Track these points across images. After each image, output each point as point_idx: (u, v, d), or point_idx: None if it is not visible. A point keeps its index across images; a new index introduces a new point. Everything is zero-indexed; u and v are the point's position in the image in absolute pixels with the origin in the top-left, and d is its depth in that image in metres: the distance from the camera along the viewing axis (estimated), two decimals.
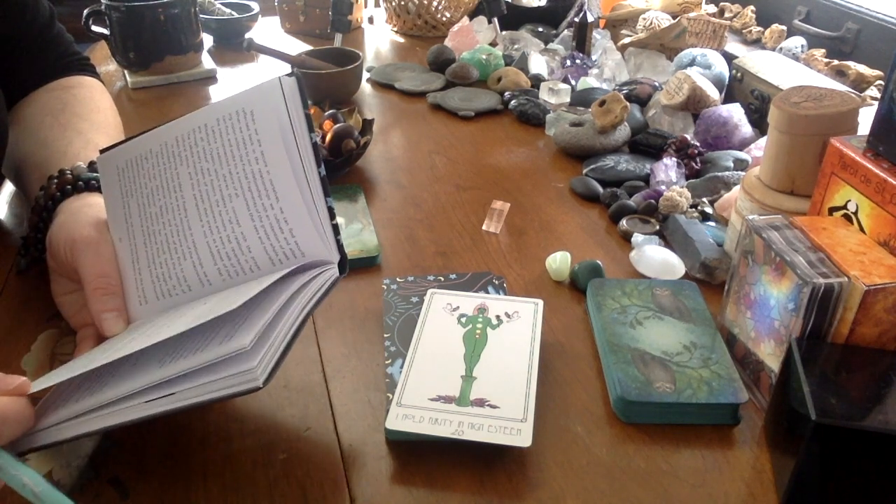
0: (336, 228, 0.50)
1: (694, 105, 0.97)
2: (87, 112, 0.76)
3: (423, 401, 0.51)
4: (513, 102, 1.07)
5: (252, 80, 1.23)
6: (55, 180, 0.62)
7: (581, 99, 1.06)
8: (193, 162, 0.53)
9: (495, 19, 1.31)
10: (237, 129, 0.52)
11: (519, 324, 0.59)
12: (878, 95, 0.84)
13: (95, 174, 0.62)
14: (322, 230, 0.49)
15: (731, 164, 0.85)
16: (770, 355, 0.53)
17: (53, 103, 0.76)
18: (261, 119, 0.51)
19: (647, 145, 0.92)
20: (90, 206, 0.60)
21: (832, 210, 0.57)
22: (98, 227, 0.57)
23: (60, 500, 0.40)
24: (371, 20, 1.58)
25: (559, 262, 0.69)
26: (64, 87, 0.80)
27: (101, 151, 0.59)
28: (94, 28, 1.16)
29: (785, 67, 0.99)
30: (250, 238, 0.51)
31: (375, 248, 0.72)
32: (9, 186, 0.84)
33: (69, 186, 0.61)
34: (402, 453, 0.50)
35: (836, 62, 1.13)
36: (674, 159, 0.85)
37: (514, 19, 1.40)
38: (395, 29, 1.50)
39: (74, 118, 0.74)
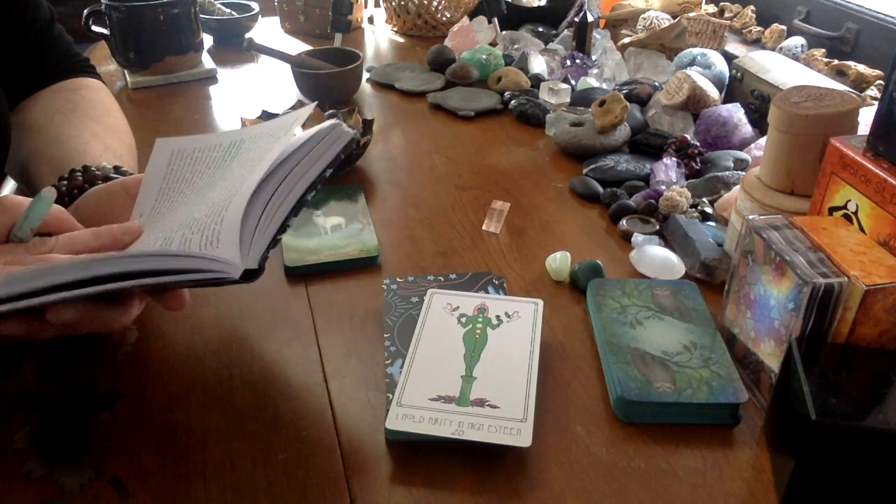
0: (274, 242, 0.49)
1: (694, 105, 0.97)
2: (99, 115, 0.76)
3: (423, 401, 0.51)
4: (513, 102, 1.07)
5: (252, 80, 1.23)
6: (79, 174, 0.62)
7: (581, 99, 1.06)
8: (226, 163, 0.56)
9: (495, 19, 1.31)
10: (274, 136, 0.54)
11: (519, 324, 0.59)
12: (878, 95, 0.84)
13: (120, 177, 0.63)
14: (249, 234, 0.48)
15: (731, 164, 0.85)
16: (770, 355, 0.53)
17: (62, 103, 0.76)
18: (288, 134, 0.53)
19: (647, 145, 0.92)
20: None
21: (832, 210, 0.57)
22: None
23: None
24: (371, 20, 1.58)
25: (559, 262, 0.69)
26: (70, 89, 0.80)
27: None
28: (94, 28, 1.16)
29: (785, 67, 0.99)
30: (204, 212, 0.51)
31: (375, 248, 0.72)
32: (9, 185, 0.83)
33: (100, 182, 0.62)
34: (402, 453, 0.50)
35: (836, 62, 1.13)
36: (674, 159, 0.85)
37: (514, 19, 1.40)
38: (395, 29, 1.50)
39: (87, 120, 0.74)
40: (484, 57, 1.20)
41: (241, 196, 0.50)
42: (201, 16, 1.29)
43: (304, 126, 0.58)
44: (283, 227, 0.50)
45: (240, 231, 0.48)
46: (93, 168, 0.63)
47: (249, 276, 0.48)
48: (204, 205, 0.53)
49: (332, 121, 0.53)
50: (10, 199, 0.52)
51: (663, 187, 0.80)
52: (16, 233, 0.51)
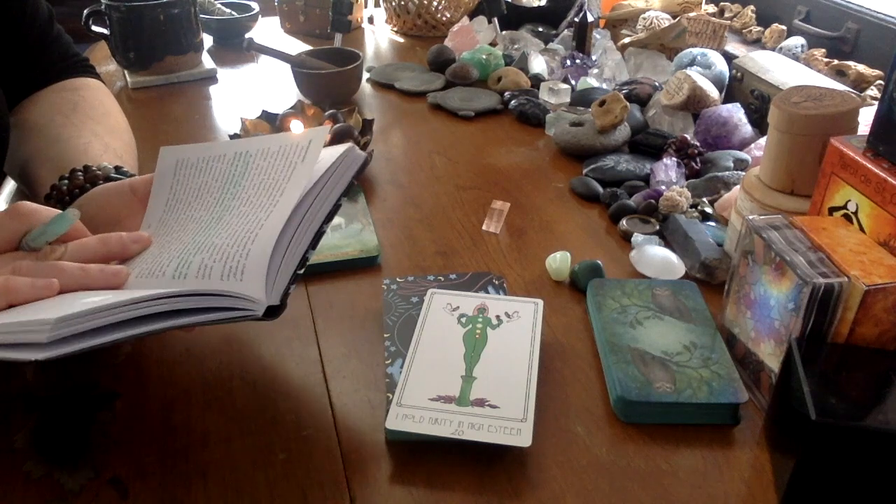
0: (295, 278, 0.50)
1: (694, 105, 0.97)
2: (99, 115, 0.76)
3: (423, 401, 0.51)
4: (513, 102, 1.07)
5: (252, 80, 1.23)
6: (80, 174, 0.62)
7: (581, 99, 1.06)
8: (236, 180, 0.56)
9: (495, 19, 1.31)
10: (287, 156, 0.54)
11: (519, 324, 0.59)
12: (878, 95, 0.84)
13: (121, 177, 0.63)
14: (275, 271, 0.49)
15: (731, 164, 0.85)
16: (770, 355, 0.53)
17: (62, 104, 0.76)
18: (308, 160, 0.53)
19: (647, 145, 0.92)
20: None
21: (832, 210, 0.57)
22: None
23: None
24: (371, 20, 1.58)
25: (559, 262, 0.69)
26: (70, 89, 0.80)
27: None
28: (94, 28, 1.16)
29: (785, 67, 0.99)
30: (225, 241, 0.51)
31: (375, 248, 0.72)
32: (8, 186, 0.83)
33: (101, 182, 0.62)
34: (402, 453, 0.50)
35: (836, 62, 1.13)
36: (674, 159, 0.85)
37: (514, 19, 1.40)
38: (395, 29, 1.50)
39: (88, 120, 0.74)
40: (484, 57, 1.20)
41: (268, 230, 0.50)
42: (201, 16, 1.29)
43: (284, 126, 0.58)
44: (303, 262, 0.50)
45: (268, 266, 0.48)
46: (93, 168, 0.63)
47: (272, 312, 0.48)
48: (223, 229, 0.52)
49: (347, 145, 0.53)
50: (26, 207, 0.52)
51: (663, 187, 0.80)
52: (29, 242, 0.51)
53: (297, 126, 0.92)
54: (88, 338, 0.43)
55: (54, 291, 0.47)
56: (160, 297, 0.44)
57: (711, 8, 1.46)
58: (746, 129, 0.91)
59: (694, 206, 0.78)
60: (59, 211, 0.52)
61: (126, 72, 1.20)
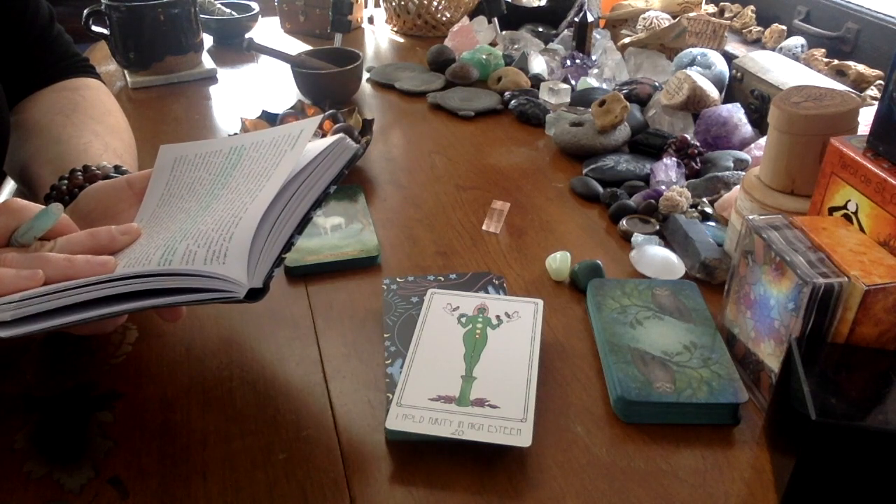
0: (279, 261, 0.50)
1: (694, 105, 0.97)
2: (100, 115, 0.76)
3: (423, 401, 0.51)
4: (513, 102, 1.07)
5: (252, 80, 1.23)
6: (79, 173, 0.62)
7: (581, 99, 1.06)
8: (227, 171, 0.56)
9: (495, 19, 1.31)
10: (278, 146, 0.55)
11: (519, 324, 0.59)
12: (878, 95, 0.84)
13: (120, 175, 0.63)
14: (257, 253, 0.48)
15: (731, 164, 0.85)
16: (770, 355, 0.53)
17: (63, 103, 0.76)
18: (297, 147, 0.53)
19: (647, 145, 0.92)
20: None
21: (832, 210, 0.57)
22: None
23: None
24: (371, 20, 1.58)
25: (559, 262, 0.69)
26: (71, 89, 0.80)
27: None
28: (94, 28, 1.16)
29: (785, 67, 0.99)
30: (210, 226, 0.51)
31: (375, 248, 0.72)
32: (8, 186, 0.83)
33: (100, 181, 0.62)
34: (402, 453, 0.50)
35: (836, 62, 1.13)
36: (674, 159, 0.85)
37: (514, 19, 1.40)
38: (395, 29, 1.50)
39: (88, 120, 0.74)
40: (484, 57, 1.20)
41: (251, 213, 0.50)
42: (201, 16, 1.29)
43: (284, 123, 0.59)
44: (288, 246, 0.50)
45: (249, 249, 0.48)
46: (93, 168, 0.63)
47: (254, 295, 0.48)
48: (209, 216, 0.52)
49: (338, 135, 0.53)
50: (16, 203, 0.52)
51: (663, 187, 0.80)
52: (18, 238, 0.52)
53: None
54: (62, 315, 0.44)
55: (39, 282, 0.47)
56: (138, 275, 0.44)
57: (711, 8, 1.46)
58: (746, 129, 0.91)
59: (694, 206, 0.78)
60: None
61: (126, 72, 1.20)
